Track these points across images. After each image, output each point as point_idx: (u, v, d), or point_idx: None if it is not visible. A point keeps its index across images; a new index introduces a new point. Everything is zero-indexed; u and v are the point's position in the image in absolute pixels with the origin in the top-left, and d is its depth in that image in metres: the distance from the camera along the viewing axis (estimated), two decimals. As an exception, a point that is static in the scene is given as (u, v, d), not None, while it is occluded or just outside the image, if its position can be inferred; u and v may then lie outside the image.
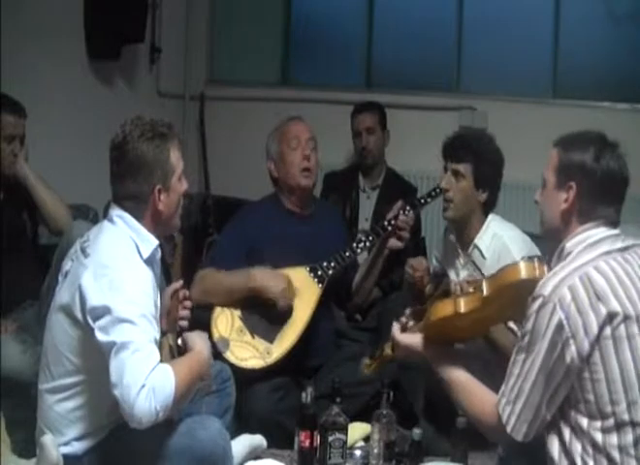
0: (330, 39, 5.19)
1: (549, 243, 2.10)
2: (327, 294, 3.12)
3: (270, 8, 5.23)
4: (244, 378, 2.81)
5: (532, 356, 1.86)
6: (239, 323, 2.97)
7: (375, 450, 2.63)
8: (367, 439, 2.75)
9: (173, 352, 2.19)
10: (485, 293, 2.05)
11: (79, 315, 2.12)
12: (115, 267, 2.13)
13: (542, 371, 1.85)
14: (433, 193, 3.10)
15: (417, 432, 2.60)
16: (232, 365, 2.80)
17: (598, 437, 1.83)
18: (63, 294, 2.20)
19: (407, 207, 3.12)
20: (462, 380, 2.08)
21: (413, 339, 2.21)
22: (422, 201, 3.14)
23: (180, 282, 2.41)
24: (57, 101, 4.03)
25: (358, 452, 2.75)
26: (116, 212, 2.25)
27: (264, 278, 2.95)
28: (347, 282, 3.28)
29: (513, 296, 2.04)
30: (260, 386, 2.88)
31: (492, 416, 1.94)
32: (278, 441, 2.80)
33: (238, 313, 2.99)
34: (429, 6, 4.92)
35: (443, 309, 2.12)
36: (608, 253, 1.92)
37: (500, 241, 2.89)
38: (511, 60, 4.71)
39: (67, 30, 4.14)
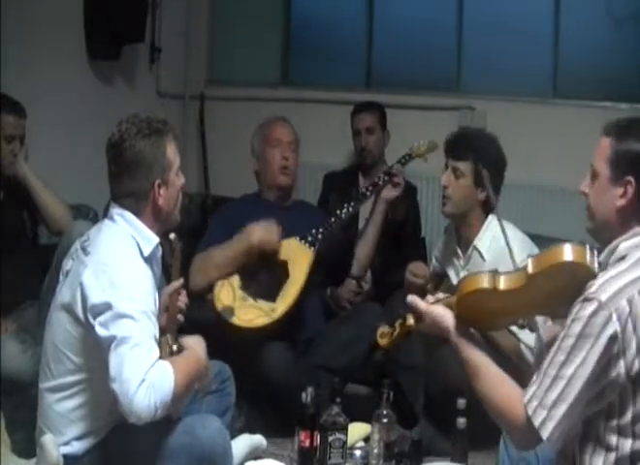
0: (330, 39, 5.18)
1: (596, 240, 1.92)
2: (321, 267, 3.20)
3: (270, 8, 5.22)
4: (253, 341, 2.93)
5: (577, 362, 1.71)
6: (240, 292, 3.06)
7: (375, 450, 2.63)
8: (367, 439, 2.75)
9: (171, 351, 2.19)
10: (530, 270, 1.85)
11: (79, 313, 2.12)
12: (116, 265, 2.13)
13: (589, 381, 1.71)
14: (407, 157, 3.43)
15: (417, 432, 2.61)
16: (239, 329, 2.94)
17: (626, 456, 1.72)
18: (64, 293, 2.21)
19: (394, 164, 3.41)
20: (490, 368, 1.89)
21: (442, 310, 1.98)
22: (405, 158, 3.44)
23: (181, 281, 2.41)
24: (57, 101, 4.04)
25: (358, 452, 2.76)
26: (117, 210, 2.26)
27: (257, 228, 3.09)
28: (345, 255, 3.39)
29: (555, 280, 1.85)
30: (274, 344, 2.99)
31: (519, 413, 1.77)
32: (293, 403, 2.73)
33: (237, 284, 3.08)
34: (429, 6, 4.90)
35: (480, 282, 1.91)
36: None
37: (500, 243, 2.88)
38: (511, 60, 4.70)
39: (67, 30, 4.15)
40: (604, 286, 1.73)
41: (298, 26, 5.21)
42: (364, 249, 3.40)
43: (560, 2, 4.60)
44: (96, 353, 2.09)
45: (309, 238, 3.20)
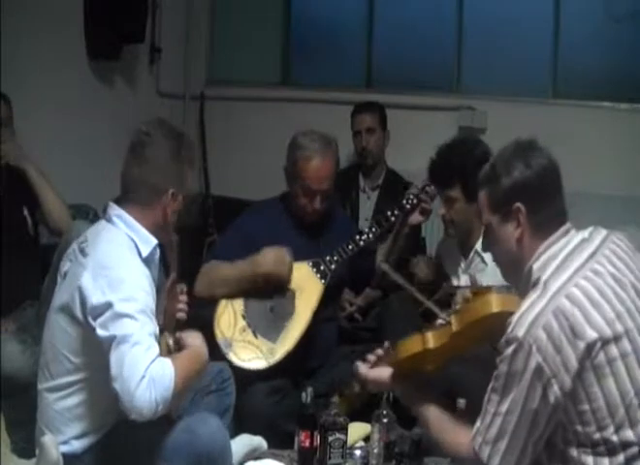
0: (330, 39, 5.19)
1: (510, 275, 2.01)
2: (331, 293, 3.11)
3: (270, 8, 5.22)
4: (244, 378, 2.81)
5: (509, 399, 1.79)
6: (241, 322, 2.96)
7: (375, 450, 2.63)
8: (367, 439, 2.75)
9: (170, 350, 2.19)
10: (454, 328, 1.99)
11: (79, 314, 2.12)
12: (114, 266, 2.13)
13: (525, 414, 1.78)
14: None
15: (417, 432, 2.60)
16: (234, 366, 2.80)
17: (589, 463, 1.78)
18: (62, 295, 2.21)
19: (426, 184, 3.09)
20: (433, 415, 2.02)
21: (382, 373, 2.16)
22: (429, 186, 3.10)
23: (174, 275, 2.41)
24: (57, 101, 4.04)
25: (358, 452, 2.75)
26: (115, 212, 2.26)
27: (268, 259, 2.92)
28: (365, 268, 3.24)
29: (482, 328, 1.99)
30: (259, 387, 2.88)
31: (469, 450, 1.88)
32: (276, 443, 2.80)
33: (240, 311, 2.97)
34: (429, 6, 4.91)
35: (412, 346, 2.07)
36: (577, 270, 1.83)
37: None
38: (511, 60, 4.71)
39: (67, 30, 4.15)
40: (519, 321, 1.79)
41: (298, 26, 5.22)
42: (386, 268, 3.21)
43: (559, 2, 4.61)
44: (94, 352, 2.10)
45: (322, 267, 3.03)
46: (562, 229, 1.92)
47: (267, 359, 2.91)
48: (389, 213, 3.13)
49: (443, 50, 4.86)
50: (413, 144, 4.42)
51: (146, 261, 2.23)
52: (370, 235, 3.10)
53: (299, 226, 3.10)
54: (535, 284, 1.87)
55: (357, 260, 3.15)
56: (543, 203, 1.92)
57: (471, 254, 2.97)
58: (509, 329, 1.80)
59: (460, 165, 2.88)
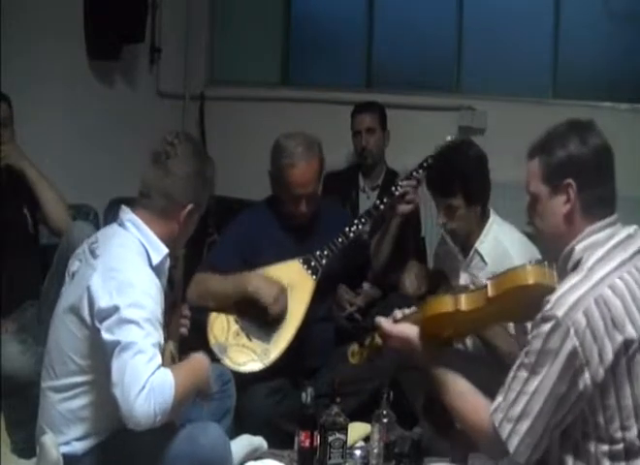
0: (330, 39, 5.19)
1: (550, 250, 1.97)
2: (325, 290, 3.10)
3: (270, 8, 5.23)
4: (243, 380, 2.81)
5: (539, 378, 1.75)
6: (234, 326, 2.95)
7: (375, 450, 2.62)
8: (367, 439, 2.75)
9: (173, 358, 2.19)
10: (490, 293, 1.92)
11: (86, 316, 2.12)
12: (124, 271, 2.13)
13: (552, 397, 1.74)
14: (425, 164, 3.08)
15: (417, 432, 2.60)
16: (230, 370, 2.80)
17: (605, 463, 1.76)
18: (70, 295, 2.20)
19: (404, 177, 3.11)
20: (454, 383, 1.96)
21: (406, 330, 2.05)
22: (417, 172, 3.10)
23: (181, 294, 2.43)
24: (57, 101, 4.04)
25: (358, 452, 2.75)
26: (128, 216, 2.25)
27: (257, 285, 2.91)
28: (359, 263, 3.25)
29: (517, 299, 1.93)
30: (258, 388, 2.88)
31: (486, 425, 1.83)
32: (276, 443, 2.80)
33: (233, 315, 2.97)
34: (429, 6, 4.92)
35: (442, 304, 1.99)
36: (622, 263, 1.80)
37: (501, 246, 2.87)
38: (511, 60, 4.72)
39: (67, 30, 4.16)
40: (560, 301, 1.75)
41: (298, 26, 5.22)
42: (381, 261, 3.24)
43: (559, 2, 4.61)
44: (100, 355, 2.09)
45: (313, 263, 3.00)
46: (611, 218, 1.89)
47: (261, 361, 2.91)
48: (377, 202, 3.13)
49: (443, 50, 4.86)
50: (413, 144, 4.41)
51: (156, 269, 2.22)
52: (360, 226, 3.07)
53: (289, 228, 3.09)
54: (577, 266, 1.83)
55: (351, 254, 3.13)
56: (595, 183, 1.89)
57: (471, 253, 2.97)
58: (547, 307, 1.75)
59: (459, 172, 2.86)
